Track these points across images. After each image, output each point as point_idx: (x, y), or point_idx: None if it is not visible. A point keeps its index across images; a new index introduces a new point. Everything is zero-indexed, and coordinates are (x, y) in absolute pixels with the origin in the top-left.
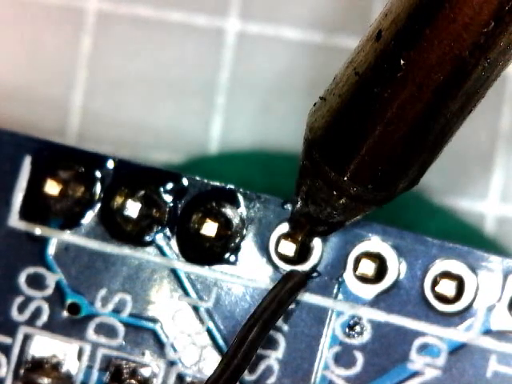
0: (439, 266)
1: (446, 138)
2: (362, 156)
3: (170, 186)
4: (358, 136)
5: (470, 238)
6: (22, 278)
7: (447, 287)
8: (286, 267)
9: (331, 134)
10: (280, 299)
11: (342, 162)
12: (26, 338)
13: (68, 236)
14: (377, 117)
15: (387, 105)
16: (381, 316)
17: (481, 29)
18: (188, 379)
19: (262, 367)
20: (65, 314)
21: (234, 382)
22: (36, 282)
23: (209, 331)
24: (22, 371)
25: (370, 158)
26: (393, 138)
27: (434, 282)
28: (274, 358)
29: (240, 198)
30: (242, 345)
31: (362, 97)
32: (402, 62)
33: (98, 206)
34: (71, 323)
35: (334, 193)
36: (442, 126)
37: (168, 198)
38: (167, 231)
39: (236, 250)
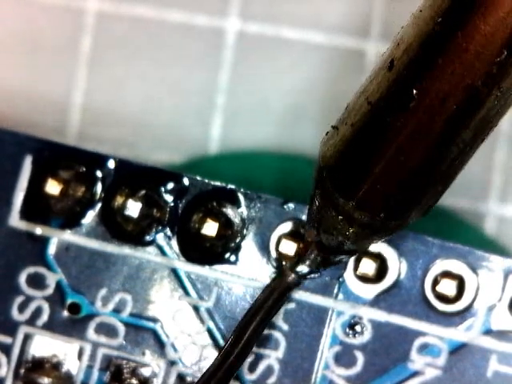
0: (440, 265)
1: (459, 167)
2: (374, 185)
3: (170, 185)
4: (371, 165)
5: (470, 238)
6: (22, 278)
7: (448, 287)
8: None
9: (343, 163)
10: (280, 291)
11: (353, 191)
12: (27, 338)
13: (68, 236)
14: (389, 146)
15: (399, 134)
16: (381, 316)
17: (493, 58)
18: (188, 379)
19: (262, 367)
20: (65, 313)
21: (232, 374)
22: (36, 281)
23: (209, 331)
24: (22, 371)
25: (382, 187)
26: (405, 168)
27: (435, 282)
28: (274, 358)
29: (240, 197)
30: (243, 335)
31: (375, 126)
32: (414, 91)
33: (99, 205)
34: (71, 323)
35: (346, 221)
36: (454, 156)
37: (169, 198)
38: (168, 231)
39: (236, 250)
